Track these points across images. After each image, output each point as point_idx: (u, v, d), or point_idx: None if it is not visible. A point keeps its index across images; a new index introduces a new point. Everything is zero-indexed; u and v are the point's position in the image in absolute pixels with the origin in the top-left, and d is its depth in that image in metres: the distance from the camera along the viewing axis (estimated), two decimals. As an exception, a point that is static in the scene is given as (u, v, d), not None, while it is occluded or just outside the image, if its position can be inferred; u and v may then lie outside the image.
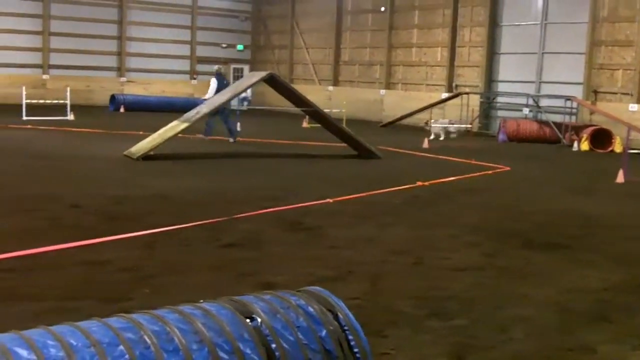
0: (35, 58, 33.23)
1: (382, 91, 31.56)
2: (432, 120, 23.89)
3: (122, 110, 29.81)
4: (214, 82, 19.70)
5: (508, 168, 15.89)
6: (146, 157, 14.58)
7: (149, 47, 35.59)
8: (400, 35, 31.41)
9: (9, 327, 3.13)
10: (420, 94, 29.57)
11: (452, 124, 24.25)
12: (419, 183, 12.79)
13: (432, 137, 22.61)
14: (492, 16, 27.45)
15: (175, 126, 15.61)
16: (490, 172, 15.23)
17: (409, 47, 31.04)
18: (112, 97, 31.02)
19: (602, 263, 7.74)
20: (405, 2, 31.12)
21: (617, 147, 21.31)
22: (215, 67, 20.95)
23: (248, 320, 3.19)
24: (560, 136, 22.94)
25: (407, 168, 15.62)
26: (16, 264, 6.74)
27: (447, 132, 23.66)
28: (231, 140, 19.20)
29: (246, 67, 38.50)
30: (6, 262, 6.77)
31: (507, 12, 27.20)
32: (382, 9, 31.83)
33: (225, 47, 38.15)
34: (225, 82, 20.13)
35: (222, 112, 18.77)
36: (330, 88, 33.93)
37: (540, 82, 26.02)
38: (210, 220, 8.90)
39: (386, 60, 31.65)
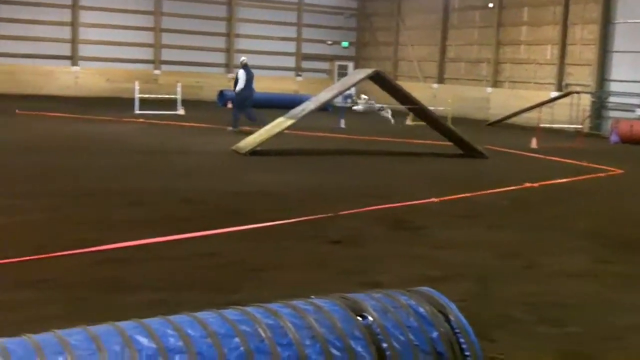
0: (148, 54, 34.25)
1: (489, 89, 31.01)
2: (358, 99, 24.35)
3: (229, 105, 30.34)
4: (242, 74, 20.48)
5: (621, 171, 15.33)
6: (253, 152, 14.83)
7: (256, 44, 36.11)
8: (508, 32, 30.79)
9: (127, 316, 3.23)
10: (528, 93, 28.90)
11: (371, 102, 24.66)
12: (527, 184, 12.50)
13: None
14: (605, 13, 26.53)
15: (282, 122, 15.79)
16: (602, 174, 14.74)
17: (517, 45, 30.39)
18: (220, 93, 31.66)
19: None
20: (514, -2, 30.50)
21: None
22: (242, 58, 21.77)
23: (359, 318, 3.20)
24: (677, 138, 21.99)
25: (515, 168, 15.31)
26: (130, 254, 6.97)
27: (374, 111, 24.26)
28: (229, 128, 19.78)
29: (350, 64, 38.57)
30: (121, 251, 7.01)
31: (621, 8, 26.23)
32: (490, 5, 31.28)
33: (331, 44, 38.32)
34: (252, 73, 21.05)
35: (244, 102, 20.09)
36: (435, 86, 33.60)
37: (656, 82, 25.00)
38: (315, 217, 8.96)
39: (493, 58, 31.09)
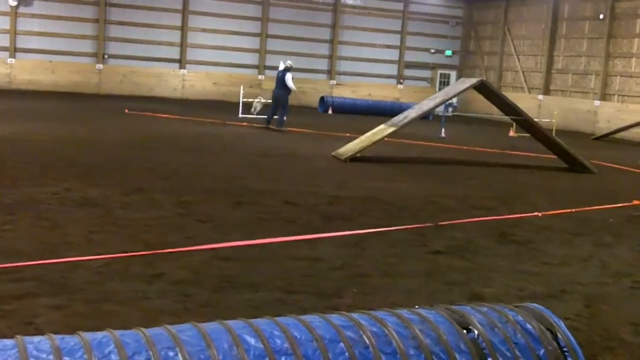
0: (253, 59, 34.83)
1: (597, 102, 30.14)
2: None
3: (330, 112, 30.57)
4: (290, 75, 21.29)
5: None
6: (353, 158, 14.87)
7: (359, 51, 36.23)
8: (619, 44, 29.86)
9: (233, 315, 3.29)
10: (638, 107, 27.94)
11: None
12: (635, 202, 12.08)
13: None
14: None
15: (383, 130, 15.78)
16: None
17: (628, 57, 29.43)
18: (322, 99, 31.90)
19: None
20: (627, 9, 29.55)
21: None
22: (288, 62, 22.22)
23: (465, 331, 3.17)
24: None
25: (624, 185, 14.81)
26: (238, 253, 7.12)
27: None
28: (271, 125, 20.98)
29: (453, 73, 38.20)
30: (229, 250, 7.15)
31: None
32: (601, 16, 30.41)
33: (434, 53, 38.06)
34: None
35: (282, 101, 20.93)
36: (541, 97, 32.89)
37: None
38: (421, 225, 8.93)
39: (603, 70, 30.20)
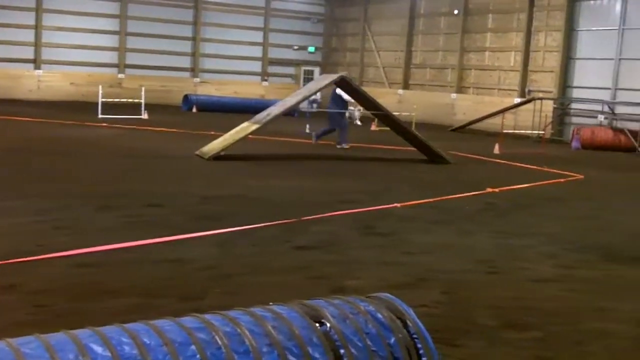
0: (112, 57, 33.99)
1: (454, 95, 31.27)
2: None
3: (194, 110, 30.27)
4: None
5: (581, 176, 15.54)
6: (217, 157, 14.77)
7: (223, 49, 36.05)
8: (473, 38, 31.08)
9: (93, 321, 3.21)
10: (492, 99, 29.20)
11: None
12: (489, 189, 12.62)
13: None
14: (569, 21, 26.91)
15: (246, 127, 15.76)
16: (562, 180, 14.93)
17: (482, 51, 30.69)
18: (185, 97, 31.55)
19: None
20: (479, 5, 30.79)
21: (697, 157, 20.67)
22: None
23: (318, 325, 3.20)
24: (636, 145, 22.36)
25: (478, 174, 15.45)
26: (99, 259, 6.92)
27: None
28: (343, 145, 18.88)
29: (317, 70, 38.65)
30: (91, 256, 6.95)
31: (584, 17, 26.63)
32: (456, 12, 31.56)
33: (297, 49, 38.36)
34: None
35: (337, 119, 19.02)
36: (401, 91, 33.79)
37: (616, 89, 25.39)
38: (284, 221, 8.97)
39: (458, 64, 31.36)
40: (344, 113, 19.55)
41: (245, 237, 8.18)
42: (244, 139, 15.55)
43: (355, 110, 25.02)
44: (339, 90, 18.61)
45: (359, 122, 25.45)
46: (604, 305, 6.34)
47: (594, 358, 5.08)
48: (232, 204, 10.30)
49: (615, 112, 24.64)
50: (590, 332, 5.58)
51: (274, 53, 37.60)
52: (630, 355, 5.16)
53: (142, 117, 24.44)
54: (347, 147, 18.78)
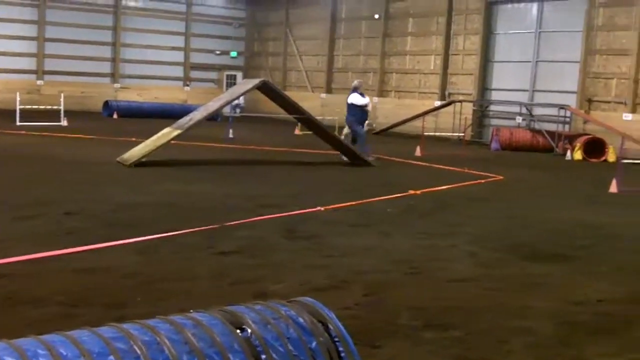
0: (30, 64, 33.21)
1: (376, 98, 31.58)
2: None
3: (115, 116, 29.80)
4: (356, 94, 18.15)
5: (501, 177, 15.91)
6: (139, 163, 14.57)
7: (143, 54, 35.62)
8: (394, 42, 31.48)
9: (8, 334, 3.12)
10: (413, 102, 29.64)
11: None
12: (411, 191, 12.80)
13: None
14: (487, 24, 27.53)
15: (168, 133, 15.60)
16: (483, 180, 15.25)
17: (402, 55, 31.11)
18: (106, 103, 31.04)
19: (603, 275, 7.70)
20: (400, 10, 31.21)
21: (610, 157, 21.39)
22: (355, 82, 18.99)
23: (238, 331, 3.20)
24: (554, 145, 23.01)
25: (400, 176, 15.64)
26: (17, 269, 6.73)
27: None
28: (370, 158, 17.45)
29: (239, 74, 38.55)
30: (7, 267, 6.76)
31: (502, 20, 27.29)
32: (376, 16, 31.91)
33: (219, 54, 38.18)
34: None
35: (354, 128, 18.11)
36: (324, 95, 33.96)
37: (534, 91, 26.11)
38: (207, 227, 8.90)
39: (380, 68, 31.71)
40: (361, 121, 18.17)
41: (167, 243, 8.09)
42: (166, 144, 15.38)
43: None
44: (350, 99, 18.00)
45: (65, 124, 24.80)
46: (524, 303, 6.48)
47: (515, 355, 5.18)
48: (154, 210, 10.17)
49: (533, 113, 25.30)
50: (511, 330, 5.70)
51: (195, 58, 37.34)
52: (550, 351, 5.29)
53: (62, 124, 23.93)
54: (370, 158, 17.40)
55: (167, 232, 8.49)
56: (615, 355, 5.25)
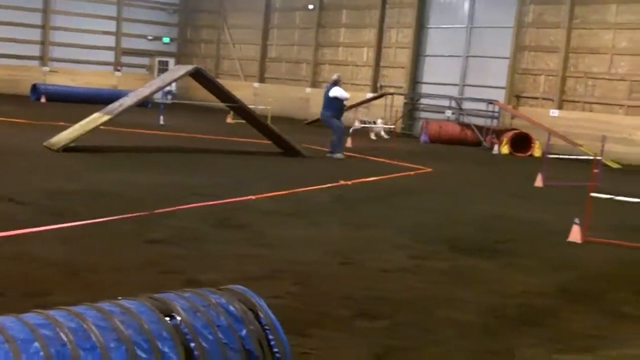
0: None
1: (309, 89, 31.64)
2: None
3: (43, 100, 29.11)
4: (337, 88, 17.48)
5: (430, 169, 16.13)
6: (67, 149, 14.28)
7: (74, 37, 34.84)
8: (328, 34, 31.54)
9: None
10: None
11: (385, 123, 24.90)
12: (342, 182, 12.87)
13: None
14: (419, 18, 27.82)
15: (97, 118, 15.32)
16: (412, 173, 15.44)
17: (336, 46, 31.20)
18: (34, 87, 30.28)
19: (527, 266, 7.88)
20: (333, 1, 31.27)
21: (537, 152, 21.90)
22: (335, 75, 18.25)
23: (168, 319, 3.17)
24: (482, 139, 23.42)
25: (331, 167, 15.71)
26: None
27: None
28: (337, 155, 17.14)
29: (172, 61, 38.08)
30: None
31: (434, 14, 27.61)
32: (311, 6, 31.91)
33: (152, 40, 37.64)
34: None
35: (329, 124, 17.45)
36: (257, 85, 33.84)
37: (463, 85, 26.51)
38: (137, 214, 8.78)
39: (313, 59, 31.73)
40: (340, 115, 17.59)
41: (96, 231, 7.95)
42: (95, 129, 15.11)
43: (379, 124, 24.56)
44: (332, 92, 17.39)
45: (385, 135, 24.66)
46: (452, 294, 6.59)
47: (442, 346, 5.27)
48: (82, 197, 9.97)
49: (462, 107, 25.71)
50: (439, 321, 5.79)
51: (127, 43, 36.71)
52: (477, 341, 5.39)
53: (-14, 107, 23.29)
54: (342, 157, 17.12)
55: (95, 219, 8.35)
56: (541, 346, 5.39)
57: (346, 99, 17.74)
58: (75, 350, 2.77)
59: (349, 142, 20.37)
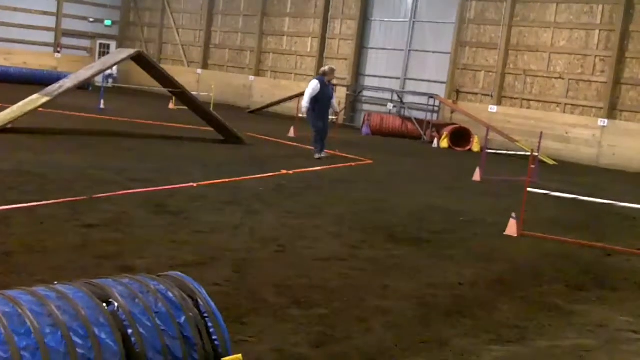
0: None
1: (252, 77, 31.49)
2: None
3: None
4: (312, 84, 15.71)
5: (370, 161, 16.25)
6: (3, 130, 13.96)
7: (12, 16, 33.95)
8: (272, 22, 31.42)
9: None
10: (289, 83, 29.72)
11: None
12: (284, 171, 12.88)
13: None
14: (363, 10, 27.90)
15: (36, 100, 15.01)
16: (353, 164, 15.53)
17: (280, 35, 31.10)
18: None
19: (461, 258, 8.03)
20: (280, -11, 31.15)
21: (475, 147, 22.22)
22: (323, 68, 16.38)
23: (105, 305, 3.15)
24: (422, 133, 23.66)
25: (274, 155, 15.69)
26: None
27: None
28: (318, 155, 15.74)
29: (113, 44, 37.46)
30: None
31: (378, 7, 27.73)
32: (256, -6, 31.72)
33: (93, 22, 36.95)
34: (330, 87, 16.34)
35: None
36: (199, 71, 33.53)
37: (405, 79, 26.72)
38: (72, 199, 8.65)
39: (257, 47, 31.59)
40: (310, 115, 15.74)
41: (30, 214, 7.81)
42: (34, 111, 14.80)
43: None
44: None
45: None
46: (386, 283, 6.68)
47: (375, 334, 5.34)
48: (15, 180, 9.76)
49: (404, 101, 25.92)
50: (373, 310, 5.87)
51: (68, 24, 35.94)
52: (409, 330, 5.48)
53: None
54: (324, 156, 15.83)
55: (28, 203, 8.20)
56: (472, 336, 5.50)
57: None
58: (9, 335, 2.74)
59: (291, 132, 20.37)
